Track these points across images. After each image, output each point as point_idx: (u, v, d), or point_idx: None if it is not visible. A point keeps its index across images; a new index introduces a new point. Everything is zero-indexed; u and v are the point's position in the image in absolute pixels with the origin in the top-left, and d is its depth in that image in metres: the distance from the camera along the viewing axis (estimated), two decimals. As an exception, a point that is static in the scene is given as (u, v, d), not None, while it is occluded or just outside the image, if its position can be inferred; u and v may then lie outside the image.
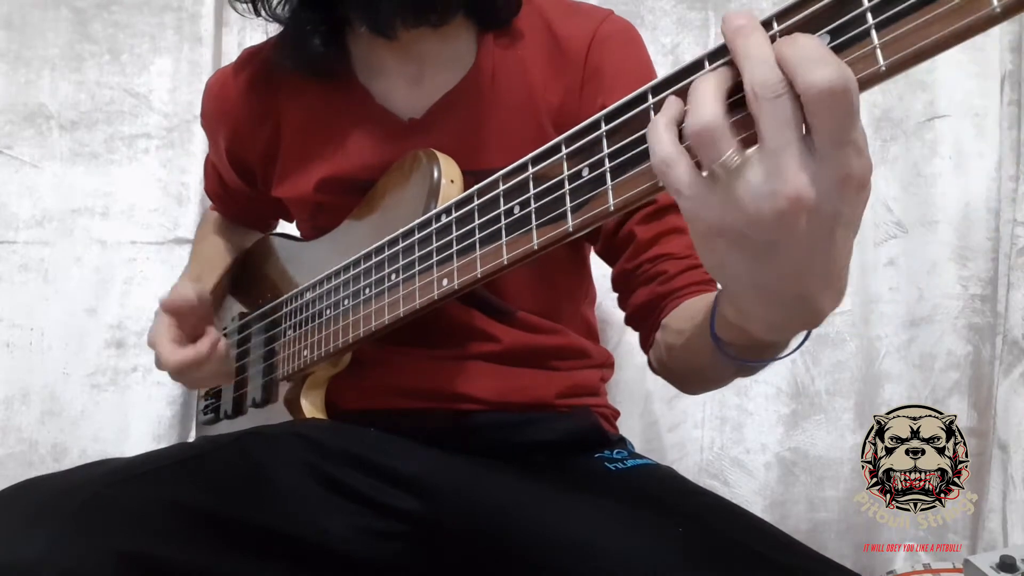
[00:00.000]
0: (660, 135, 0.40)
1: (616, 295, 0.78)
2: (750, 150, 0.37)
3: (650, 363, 0.74)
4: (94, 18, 1.31)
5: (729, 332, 0.53)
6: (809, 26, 0.38)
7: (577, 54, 0.75)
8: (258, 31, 1.30)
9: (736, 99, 0.38)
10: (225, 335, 0.92)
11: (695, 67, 0.42)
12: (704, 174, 0.38)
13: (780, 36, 0.38)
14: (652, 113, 0.44)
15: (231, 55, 1.31)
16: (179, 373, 0.76)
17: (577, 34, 0.76)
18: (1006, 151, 1.21)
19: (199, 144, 1.28)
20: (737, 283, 0.44)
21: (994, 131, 1.22)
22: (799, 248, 0.38)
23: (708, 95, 0.38)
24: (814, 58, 0.34)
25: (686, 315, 0.65)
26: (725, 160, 0.37)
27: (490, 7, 0.75)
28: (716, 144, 0.37)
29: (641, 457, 0.77)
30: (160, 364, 0.76)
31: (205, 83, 0.91)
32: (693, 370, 0.67)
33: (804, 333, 0.50)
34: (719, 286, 0.52)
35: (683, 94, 0.42)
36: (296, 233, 0.94)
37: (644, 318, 0.72)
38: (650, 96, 0.44)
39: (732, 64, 0.39)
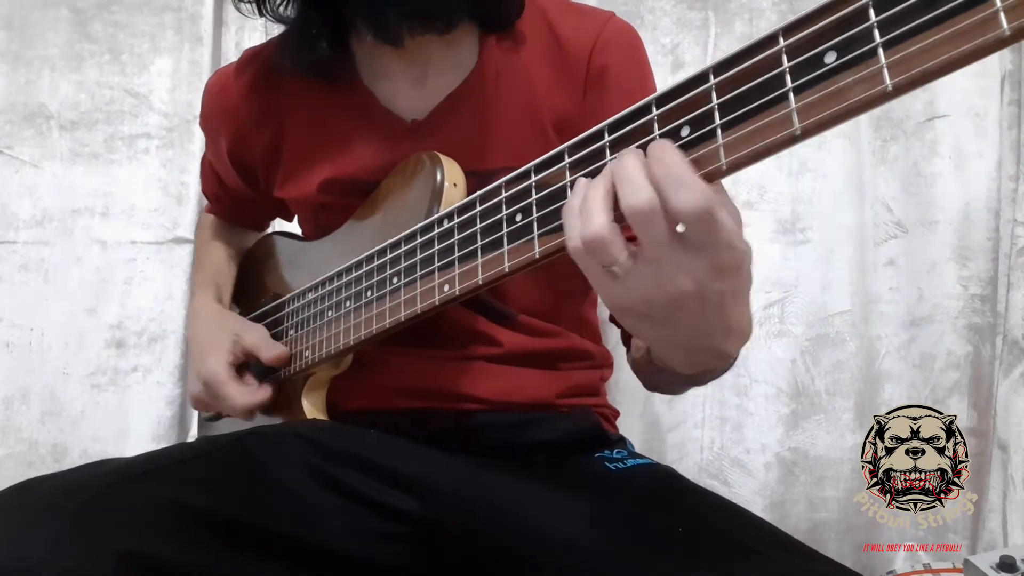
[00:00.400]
0: (571, 223, 0.45)
1: None
2: (637, 255, 0.43)
3: (629, 360, 0.76)
4: (94, 18, 1.30)
5: (660, 363, 0.60)
6: (816, 42, 0.38)
7: (579, 57, 0.75)
8: (257, 31, 1.30)
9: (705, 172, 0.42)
10: None
11: (699, 80, 0.42)
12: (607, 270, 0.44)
13: (786, 51, 0.39)
14: (656, 126, 0.44)
15: (230, 55, 1.31)
16: (249, 413, 0.79)
17: (580, 36, 0.76)
18: (1006, 151, 1.21)
19: (199, 144, 1.27)
20: (651, 341, 0.55)
21: (994, 131, 1.22)
22: (694, 319, 0.46)
23: (597, 206, 0.43)
24: (677, 181, 0.40)
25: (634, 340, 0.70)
26: (619, 265, 0.44)
27: (493, 11, 0.75)
28: (608, 251, 0.43)
29: (641, 457, 0.78)
30: (229, 406, 0.79)
31: (204, 84, 0.91)
32: (651, 380, 0.72)
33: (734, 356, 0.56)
34: None
35: (688, 109, 0.43)
36: (297, 231, 0.94)
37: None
38: (654, 108, 0.45)
39: (751, 109, 0.41)
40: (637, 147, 0.45)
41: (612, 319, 0.79)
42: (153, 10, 1.31)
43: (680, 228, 0.42)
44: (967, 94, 1.22)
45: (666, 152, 0.41)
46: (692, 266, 0.42)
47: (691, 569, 0.54)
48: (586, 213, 0.43)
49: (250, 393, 0.78)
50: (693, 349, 0.51)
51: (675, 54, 1.27)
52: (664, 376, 0.63)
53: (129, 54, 1.31)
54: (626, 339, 0.76)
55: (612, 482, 0.70)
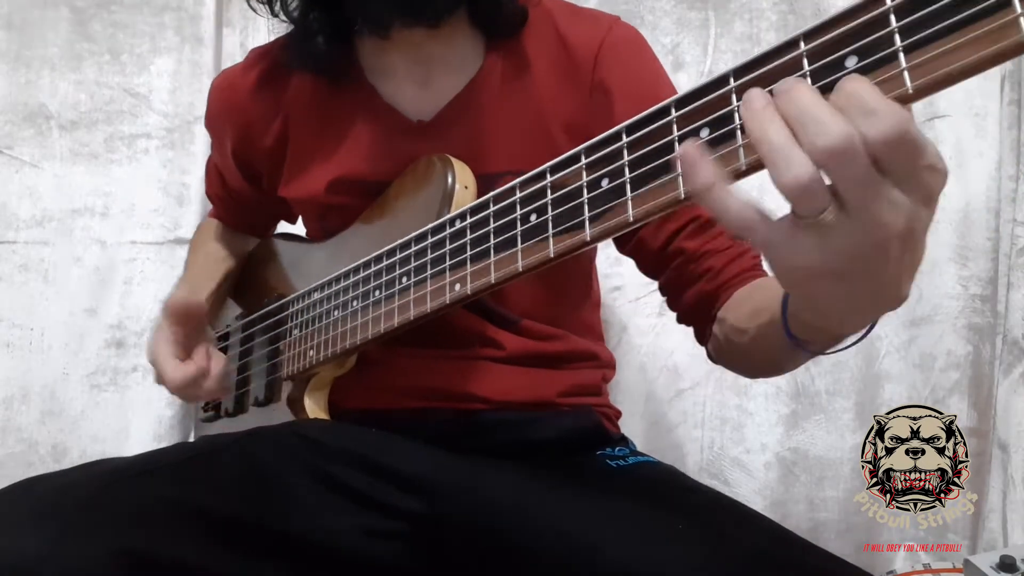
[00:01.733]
0: (732, 200, 0.39)
1: (658, 300, 0.78)
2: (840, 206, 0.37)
3: (709, 354, 0.74)
4: (94, 18, 1.30)
5: (806, 332, 0.53)
6: (838, 46, 0.38)
7: (585, 62, 0.75)
8: (260, 31, 1.30)
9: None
10: (228, 333, 0.92)
11: (720, 82, 0.42)
12: (798, 225, 0.38)
13: (807, 56, 0.38)
14: (675, 127, 0.44)
15: (233, 55, 1.31)
16: (181, 389, 0.76)
17: (585, 41, 0.76)
18: (1006, 151, 1.21)
19: (200, 144, 1.27)
20: (830, 305, 0.44)
21: (994, 131, 1.22)
22: (894, 266, 0.39)
23: (789, 145, 0.37)
24: (866, 109, 0.35)
25: (745, 312, 0.65)
26: (823, 217, 0.37)
27: (495, 20, 0.75)
28: (816, 199, 0.37)
29: (643, 455, 0.78)
30: (162, 381, 0.76)
31: (209, 84, 0.91)
32: (762, 362, 0.67)
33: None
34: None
35: (708, 111, 0.42)
36: (299, 233, 0.93)
37: (698, 317, 0.73)
38: (673, 110, 0.44)
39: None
40: (653, 149, 0.45)
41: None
42: (153, 10, 1.31)
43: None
44: (967, 94, 1.22)
45: (848, 85, 0.35)
46: (901, 201, 0.37)
47: (693, 566, 0.54)
48: (784, 161, 0.36)
49: (183, 368, 0.74)
50: (875, 304, 0.44)
51: (675, 54, 1.28)
52: (787, 353, 0.58)
53: (129, 54, 1.30)
54: (701, 335, 0.74)
55: (614, 479, 0.70)
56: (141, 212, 1.29)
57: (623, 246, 0.79)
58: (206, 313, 0.79)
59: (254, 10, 0.79)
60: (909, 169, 0.36)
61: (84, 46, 1.30)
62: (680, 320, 0.77)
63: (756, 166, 0.40)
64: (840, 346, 0.54)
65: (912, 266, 0.41)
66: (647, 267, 0.78)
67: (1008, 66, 1.21)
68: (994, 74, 1.22)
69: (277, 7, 0.78)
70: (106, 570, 0.50)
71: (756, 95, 0.38)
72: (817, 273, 0.39)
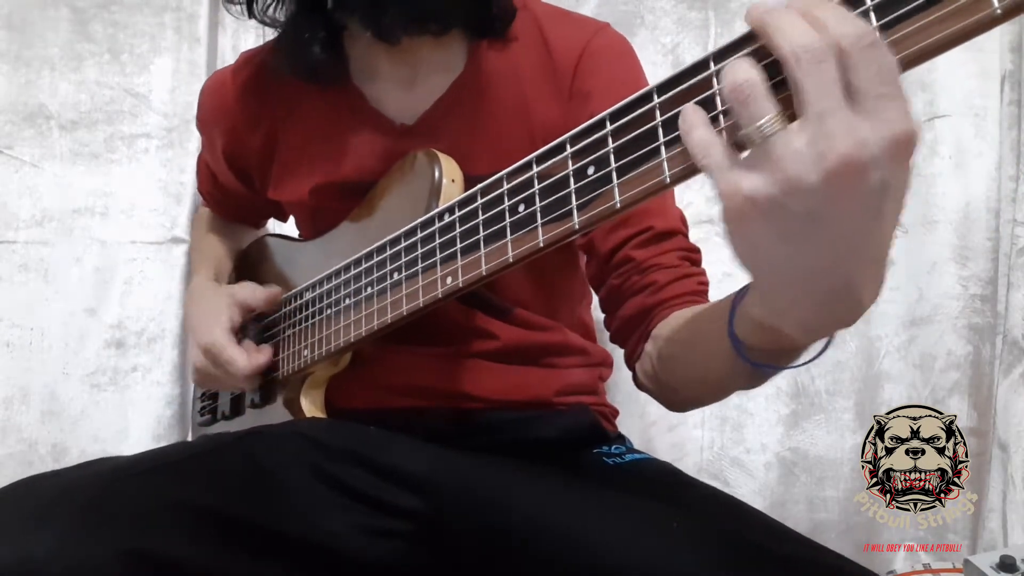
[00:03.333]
0: (692, 118, 0.40)
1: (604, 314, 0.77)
2: (792, 121, 0.36)
3: (635, 378, 0.73)
4: (94, 18, 1.30)
5: (752, 334, 0.51)
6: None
7: (566, 66, 0.75)
8: (251, 33, 1.31)
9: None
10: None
11: (700, 67, 0.42)
12: (743, 142, 0.38)
13: None
14: (658, 113, 0.44)
15: (226, 57, 1.32)
16: (248, 380, 0.78)
17: (567, 45, 0.75)
18: (1006, 151, 1.21)
19: (198, 144, 1.27)
20: (774, 272, 0.42)
21: (994, 131, 1.21)
22: (845, 221, 0.37)
23: (745, 63, 0.37)
24: (843, 16, 0.35)
25: (683, 323, 0.64)
26: (765, 123, 0.36)
27: (484, 18, 0.75)
28: (757, 102, 0.36)
29: (639, 452, 0.78)
30: (233, 371, 0.76)
31: (201, 86, 0.91)
32: (694, 380, 0.65)
33: (824, 340, 0.48)
34: (746, 283, 0.50)
35: (690, 95, 0.42)
36: (292, 233, 0.94)
37: (632, 330, 0.72)
38: (655, 95, 0.45)
39: (758, 52, 0.39)
40: (638, 134, 0.45)
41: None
42: (153, 10, 1.31)
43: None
44: (967, 94, 1.22)
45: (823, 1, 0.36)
46: (862, 129, 0.34)
47: (690, 560, 0.54)
48: (730, 69, 0.37)
49: (251, 355, 0.77)
50: (826, 289, 0.41)
51: (675, 54, 1.28)
52: (724, 367, 0.55)
53: (129, 54, 1.31)
54: (631, 355, 0.74)
55: (611, 476, 0.70)
56: (141, 212, 1.29)
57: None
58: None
59: (228, 11, 0.79)
60: (880, 90, 0.34)
61: (84, 46, 1.30)
62: (613, 338, 0.76)
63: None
64: (779, 365, 0.53)
65: (869, 247, 0.38)
66: (592, 271, 0.77)
67: (1008, 66, 1.21)
68: (994, 74, 1.22)
69: (255, 9, 0.77)
70: (109, 569, 0.50)
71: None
72: (760, 202, 0.37)
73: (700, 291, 0.69)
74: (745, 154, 0.39)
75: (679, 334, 0.64)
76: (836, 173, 0.35)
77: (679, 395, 0.70)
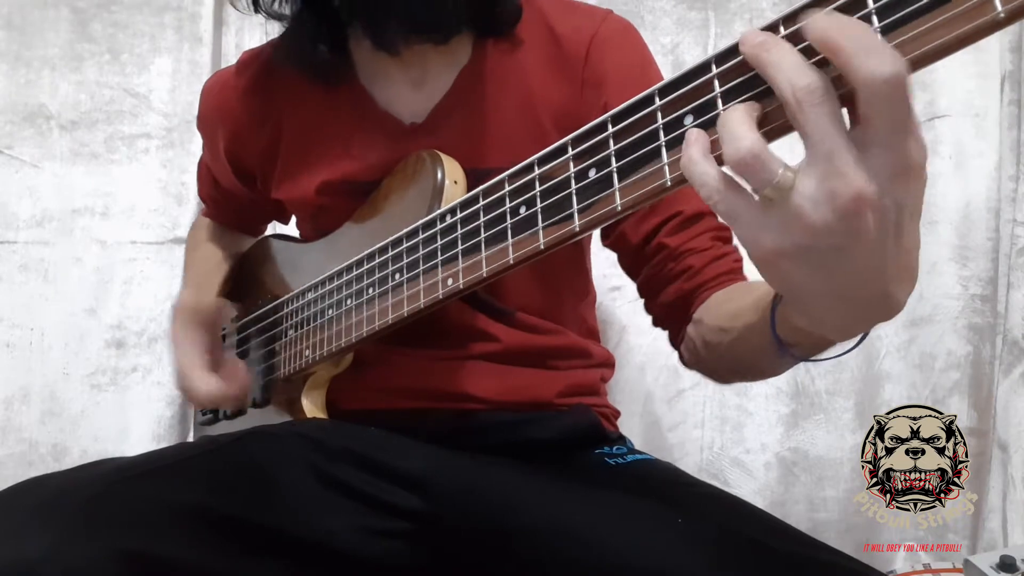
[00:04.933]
0: (704, 168, 0.39)
1: (641, 300, 0.77)
2: (799, 164, 0.36)
3: (681, 357, 0.74)
4: (94, 18, 1.30)
5: (794, 335, 0.52)
6: None
7: (576, 54, 0.75)
8: (256, 31, 1.30)
9: (766, 130, 0.38)
10: (224, 335, 0.92)
11: (702, 69, 0.42)
12: (757, 198, 0.37)
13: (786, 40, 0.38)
14: (659, 116, 0.44)
15: (230, 56, 1.31)
16: (209, 403, 0.77)
17: (577, 34, 0.76)
18: (1006, 151, 1.21)
19: (199, 144, 1.27)
20: (809, 295, 0.42)
21: (994, 131, 1.22)
22: (869, 248, 0.37)
23: (742, 124, 0.37)
24: (869, 47, 0.33)
25: (726, 313, 0.64)
26: (780, 180, 0.36)
27: (490, 18, 0.75)
28: (765, 168, 0.36)
29: (641, 453, 0.78)
30: (193, 394, 0.76)
31: (202, 85, 0.91)
32: (741, 366, 0.65)
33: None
34: (778, 292, 0.51)
35: (691, 99, 0.42)
36: (293, 234, 0.93)
37: (673, 316, 0.72)
38: (657, 98, 0.45)
39: (754, 94, 0.39)
40: (639, 137, 0.45)
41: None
42: (153, 10, 1.31)
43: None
44: (967, 94, 1.22)
45: (843, 21, 0.35)
46: (872, 164, 0.35)
47: (691, 559, 0.54)
48: (729, 136, 0.37)
49: (215, 382, 0.75)
50: (861, 300, 0.41)
51: (675, 54, 1.28)
52: (771, 359, 0.55)
53: (129, 54, 1.31)
54: (675, 337, 0.73)
55: (612, 476, 0.70)
56: (141, 212, 1.29)
57: (606, 238, 0.79)
58: (216, 316, 0.80)
59: (234, 5, 0.79)
60: (892, 124, 0.34)
61: (84, 46, 1.30)
62: (656, 323, 0.76)
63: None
64: (827, 355, 0.53)
65: (898, 260, 0.39)
66: (627, 262, 0.78)
67: (1008, 66, 1.21)
68: (994, 74, 1.22)
69: (259, 3, 0.77)
70: (108, 570, 0.50)
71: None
72: (785, 250, 0.38)
73: (736, 268, 0.69)
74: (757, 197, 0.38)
75: (723, 323, 0.63)
76: (851, 210, 0.35)
77: (725, 376, 0.71)
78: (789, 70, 0.35)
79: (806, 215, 0.36)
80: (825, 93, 0.35)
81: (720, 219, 0.40)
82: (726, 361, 0.66)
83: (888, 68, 0.33)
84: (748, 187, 0.38)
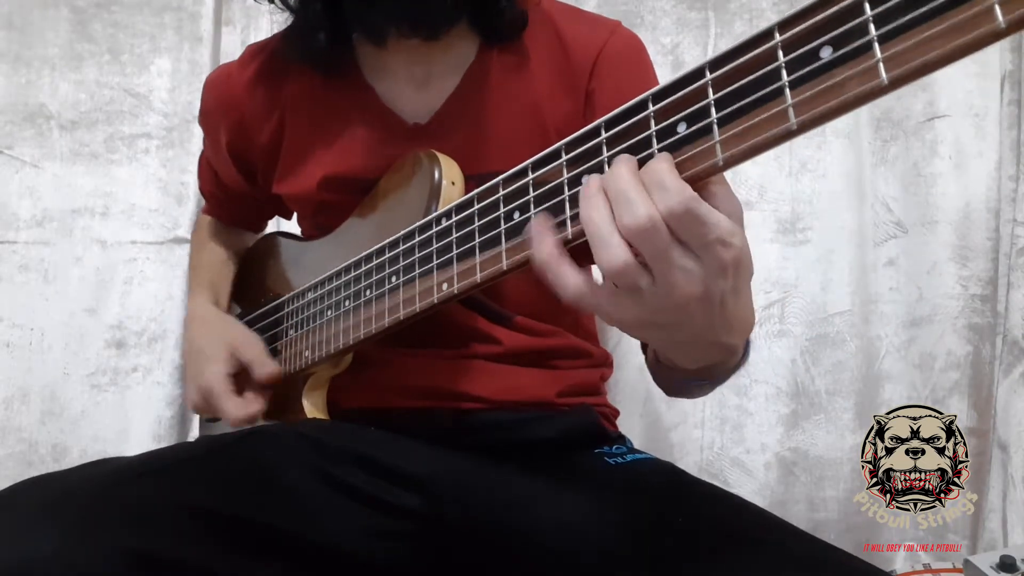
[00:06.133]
0: (565, 272, 0.46)
1: None
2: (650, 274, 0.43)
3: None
4: (94, 18, 1.30)
5: (668, 360, 0.58)
6: (812, 36, 0.38)
7: (583, 67, 0.75)
8: (262, 29, 1.30)
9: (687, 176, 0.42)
10: None
11: (696, 75, 0.42)
12: (617, 292, 0.45)
13: (782, 46, 0.39)
14: (653, 122, 0.44)
15: (232, 54, 1.31)
16: (238, 423, 0.78)
17: (584, 45, 0.76)
18: (1006, 151, 1.21)
19: (199, 144, 1.27)
20: (659, 345, 0.55)
21: (994, 131, 1.22)
22: (700, 319, 0.45)
23: (608, 234, 0.43)
24: (659, 185, 0.41)
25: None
26: (638, 286, 0.44)
27: (497, 25, 0.75)
28: (634, 279, 0.43)
29: (641, 452, 0.78)
30: (224, 418, 0.78)
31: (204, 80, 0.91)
32: (663, 382, 0.69)
33: (739, 356, 0.57)
34: None
35: (684, 105, 0.42)
36: (296, 231, 0.93)
37: None
38: (651, 104, 0.44)
39: (747, 103, 0.41)
40: (632, 144, 0.46)
41: None
42: (153, 10, 1.31)
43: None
44: (967, 94, 1.22)
45: (654, 160, 0.43)
46: (695, 269, 0.42)
47: (694, 558, 0.54)
48: (603, 245, 0.43)
49: (244, 406, 0.77)
50: (698, 346, 0.51)
51: (675, 54, 1.28)
52: (675, 375, 0.62)
53: (129, 54, 1.30)
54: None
55: (612, 476, 0.71)
56: (141, 212, 1.29)
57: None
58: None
59: None
60: (700, 241, 0.42)
61: (84, 46, 1.30)
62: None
63: (732, 160, 0.42)
64: (709, 379, 0.61)
65: (725, 321, 0.47)
66: None
67: (1008, 66, 1.21)
68: (994, 74, 1.22)
69: None
70: (114, 568, 0.50)
71: (592, 180, 0.45)
72: (639, 324, 0.47)
73: None
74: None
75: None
76: (684, 304, 0.44)
77: (664, 389, 0.73)
78: (624, 207, 0.42)
79: (652, 307, 0.44)
80: (654, 226, 0.41)
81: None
82: (658, 377, 0.69)
83: (676, 200, 0.41)
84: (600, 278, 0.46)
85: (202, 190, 1.02)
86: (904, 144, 1.23)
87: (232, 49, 1.33)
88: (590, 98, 0.75)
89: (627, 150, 0.45)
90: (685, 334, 0.48)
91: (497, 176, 0.55)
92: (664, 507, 0.61)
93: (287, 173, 0.82)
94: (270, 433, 0.69)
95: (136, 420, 1.24)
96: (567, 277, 0.46)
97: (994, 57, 1.21)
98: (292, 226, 0.98)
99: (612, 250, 0.43)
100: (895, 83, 0.35)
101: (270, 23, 1.28)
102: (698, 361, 0.54)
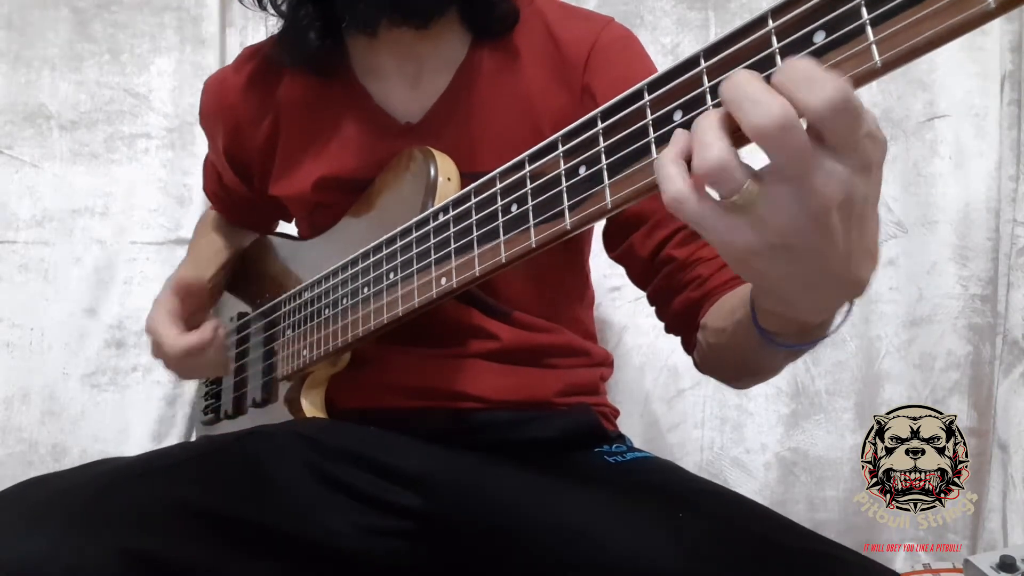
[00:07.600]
0: (669, 171, 0.39)
1: (640, 301, 0.78)
2: (767, 176, 0.37)
3: (695, 363, 0.74)
4: (94, 18, 1.31)
5: (774, 323, 0.53)
6: (805, 22, 0.38)
7: (576, 62, 0.75)
8: (260, 30, 1.30)
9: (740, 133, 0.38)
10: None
11: (690, 64, 0.42)
12: (724, 205, 0.38)
13: (775, 32, 0.38)
14: (648, 111, 0.44)
15: (234, 55, 1.31)
16: (180, 360, 0.77)
17: (577, 40, 0.76)
18: (1006, 151, 1.21)
19: (201, 145, 1.27)
20: (782, 286, 0.43)
21: (994, 131, 1.21)
22: (839, 240, 0.38)
23: (712, 132, 0.37)
24: (808, 79, 0.35)
25: (723, 312, 0.64)
26: (744, 193, 0.37)
27: (487, 20, 0.75)
28: (731, 179, 0.37)
29: (640, 451, 0.78)
30: (162, 350, 0.78)
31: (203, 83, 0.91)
32: (741, 364, 0.66)
33: (848, 305, 0.50)
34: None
35: (680, 94, 0.42)
36: (294, 232, 0.93)
37: (683, 324, 0.72)
38: (646, 93, 0.44)
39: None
40: (628, 133, 0.45)
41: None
42: (153, 10, 1.31)
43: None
44: (967, 94, 1.22)
45: (787, 61, 0.36)
46: (838, 170, 0.36)
47: (692, 555, 0.54)
48: (698, 144, 0.38)
49: (186, 337, 0.77)
50: (831, 284, 0.43)
51: (675, 54, 1.28)
52: (761, 351, 0.56)
53: (129, 54, 1.31)
54: (687, 344, 0.74)
55: (612, 474, 0.70)
56: (141, 212, 1.29)
57: (613, 250, 0.79)
58: (207, 294, 0.82)
59: (243, 3, 0.80)
60: (848, 137, 0.36)
61: (84, 46, 1.30)
62: (668, 330, 0.76)
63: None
64: (810, 340, 0.53)
65: (863, 245, 0.40)
66: (637, 275, 0.77)
67: (1008, 66, 1.21)
68: (994, 74, 1.22)
69: (264, 1, 0.78)
70: (110, 568, 0.50)
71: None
72: (757, 250, 0.39)
73: None
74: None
75: (720, 323, 0.64)
76: (823, 216, 0.37)
77: (733, 377, 0.71)
78: (748, 105, 0.36)
79: (776, 219, 0.37)
80: (789, 123, 0.35)
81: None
82: (728, 361, 0.67)
83: (826, 96, 0.34)
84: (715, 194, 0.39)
85: (206, 191, 1.02)
86: (904, 144, 1.23)
87: (235, 50, 1.33)
88: (588, 93, 0.75)
89: (623, 140, 0.45)
90: (819, 263, 0.40)
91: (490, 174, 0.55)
92: (665, 505, 0.61)
93: (282, 175, 0.82)
94: (268, 433, 0.69)
95: (136, 420, 1.25)
96: (673, 171, 0.39)
97: (994, 57, 1.21)
98: (293, 228, 0.98)
99: (707, 147, 0.37)
100: (888, 65, 0.35)
101: (266, 24, 1.28)
102: (821, 309, 0.48)
